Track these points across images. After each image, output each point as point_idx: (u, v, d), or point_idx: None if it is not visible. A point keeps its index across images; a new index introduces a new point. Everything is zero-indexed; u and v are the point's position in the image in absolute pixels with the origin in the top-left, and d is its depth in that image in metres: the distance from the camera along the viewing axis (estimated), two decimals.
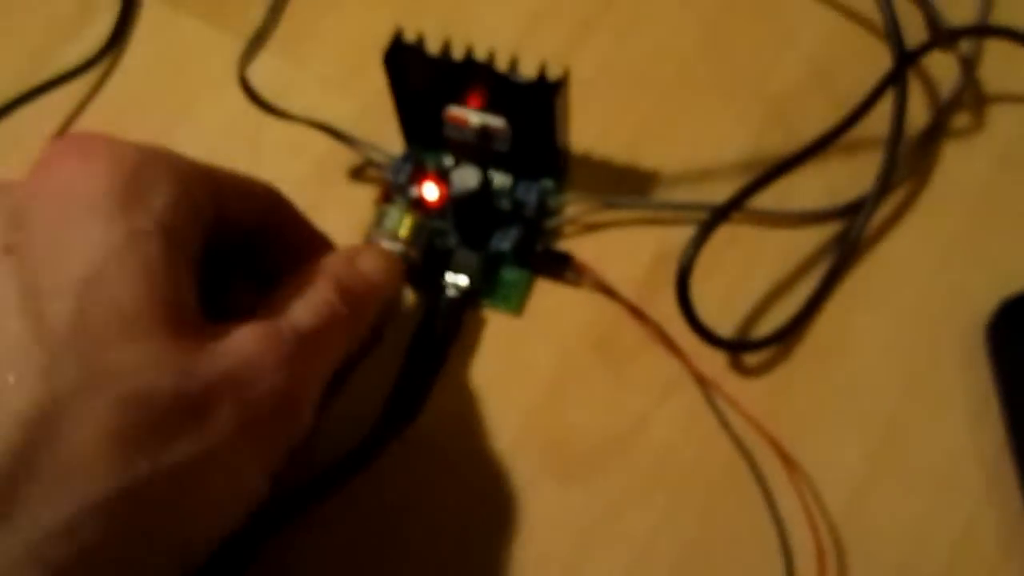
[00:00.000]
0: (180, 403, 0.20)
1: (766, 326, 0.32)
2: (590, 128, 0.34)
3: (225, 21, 0.38)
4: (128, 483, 0.19)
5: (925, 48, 0.34)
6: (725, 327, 0.31)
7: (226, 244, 0.25)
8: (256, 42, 0.30)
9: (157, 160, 0.23)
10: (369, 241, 0.31)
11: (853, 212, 0.33)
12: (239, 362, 0.22)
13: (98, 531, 0.19)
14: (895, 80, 0.33)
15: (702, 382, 0.31)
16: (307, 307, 0.24)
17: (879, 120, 0.33)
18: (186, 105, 0.37)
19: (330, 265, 0.26)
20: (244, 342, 0.22)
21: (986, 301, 0.31)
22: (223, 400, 0.21)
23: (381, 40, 0.31)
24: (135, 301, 0.21)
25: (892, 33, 0.33)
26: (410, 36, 0.31)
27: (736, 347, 0.31)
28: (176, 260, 0.22)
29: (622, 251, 0.33)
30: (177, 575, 0.21)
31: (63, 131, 0.36)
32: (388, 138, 0.34)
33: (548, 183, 0.33)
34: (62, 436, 0.19)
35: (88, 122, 0.37)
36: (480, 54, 0.30)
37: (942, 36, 0.34)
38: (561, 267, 0.32)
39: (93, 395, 0.19)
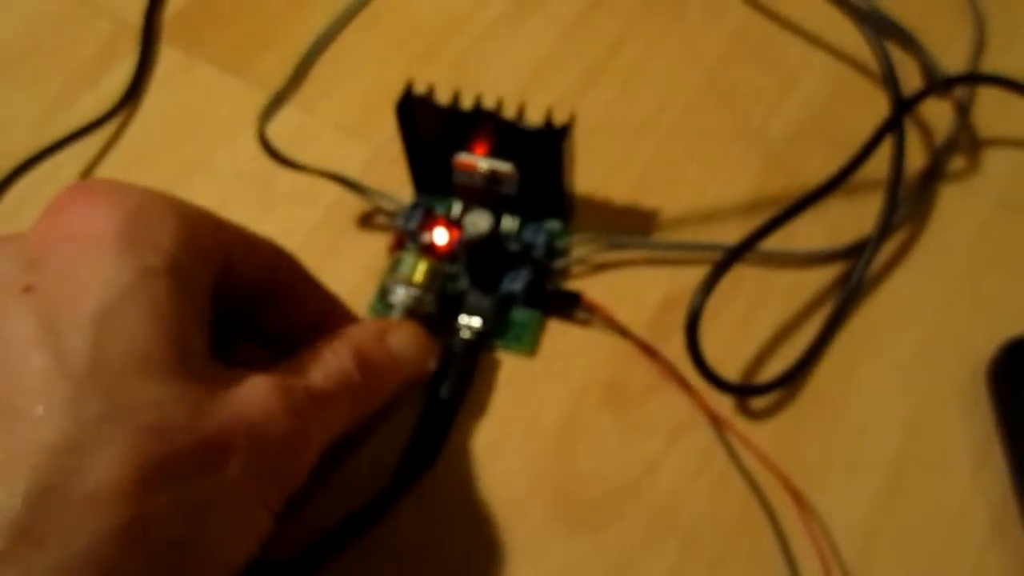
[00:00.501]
0: (196, 439, 0.21)
1: (771, 369, 0.32)
2: (596, 172, 0.35)
3: (240, 68, 0.39)
4: (150, 511, 0.20)
5: (921, 95, 0.35)
6: (731, 370, 0.32)
7: (232, 299, 0.26)
8: (277, 100, 0.31)
9: (161, 200, 0.24)
10: (385, 288, 0.32)
11: (855, 254, 0.33)
12: (252, 406, 0.23)
13: (122, 556, 0.20)
14: (893, 126, 0.34)
15: (714, 420, 0.31)
16: (321, 370, 0.25)
17: (878, 164, 0.34)
18: (203, 153, 0.38)
19: (356, 335, 0.27)
20: (258, 388, 0.23)
21: (986, 343, 0.31)
22: (236, 440, 0.22)
23: (393, 89, 0.32)
24: (147, 339, 0.21)
25: (889, 81, 0.34)
26: (420, 87, 0.31)
27: (743, 391, 0.32)
28: (185, 301, 0.23)
29: (631, 291, 0.33)
30: None
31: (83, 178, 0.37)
32: (398, 183, 0.35)
33: (555, 224, 0.34)
34: (89, 464, 0.20)
35: (107, 170, 0.37)
36: (488, 103, 0.31)
37: (937, 84, 0.35)
38: (571, 307, 0.33)
39: (116, 426, 0.20)
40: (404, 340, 0.28)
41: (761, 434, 0.31)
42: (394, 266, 0.32)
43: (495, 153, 0.32)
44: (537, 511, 0.30)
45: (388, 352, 0.27)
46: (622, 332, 0.32)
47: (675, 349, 0.31)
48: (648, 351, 0.32)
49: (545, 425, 0.32)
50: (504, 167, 0.32)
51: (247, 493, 0.22)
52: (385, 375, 0.27)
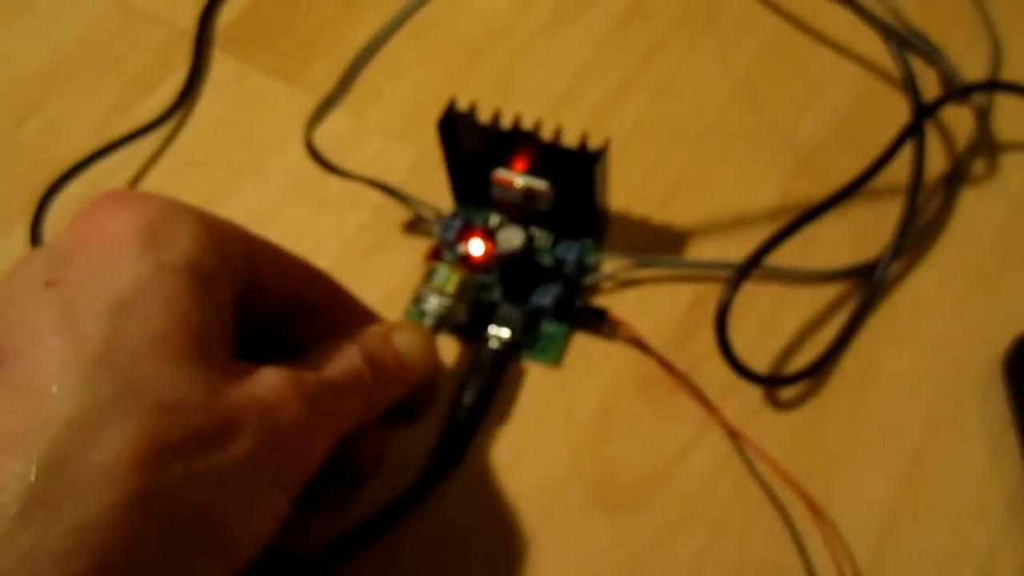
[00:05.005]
0: (209, 416, 0.22)
1: (797, 363, 0.33)
2: (629, 181, 0.36)
3: (290, 75, 0.41)
4: (164, 482, 0.21)
5: (940, 102, 0.36)
6: (758, 365, 0.33)
7: (265, 312, 0.27)
8: (324, 108, 0.33)
9: (183, 208, 0.25)
10: (419, 296, 0.33)
11: (870, 271, 0.35)
12: (265, 389, 0.24)
13: (138, 524, 0.21)
14: (913, 132, 0.35)
15: (729, 431, 0.32)
16: (332, 365, 0.26)
17: (901, 168, 0.35)
18: (255, 157, 0.39)
19: (365, 335, 0.28)
20: (271, 375, 0.24)
21: (1003, 336, 0.33)
22: (248, 418, 0.23)
23: (438, 95, 0.33)
24: (164, 326, 0.22)
25: (909, 88, 0.35)
26: (463, 103, 0.33)
27: (771, 382, 0.33)
28: (203, 297, 0.23)
29: (656, 306, 0.35)
30: None
31: (136, 182, 0.39)
32: (442, 188, 0.36)
33: (587, 242, 0.35)
34: (104, 437, 0.20)
35: (160, 173, 0.39)
36: (528, 117, 0.32)
37: (956, 91, 0.36)
38: (598, 322, 0.34)
39: (130, 403, 0.21)
40: (410, 341, 0.29)
41: (785, 427, 0.32)
42: (428, 276, 0.33)
43: (532, 170, 0.33)
44: (573, 496, 0.32)
45: (394, 352, 0.28)
46: (644, 348, 0.34)
47: (698, 359, 0.33)
48: (668, 368, 0.33)
49: (575, 422, 0.33)
50: (540, 185, 0.33)
51: (260, 470, 0.23)
52: (392, 374, 0.28)
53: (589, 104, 0.39)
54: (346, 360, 0.27)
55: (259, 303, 0.27)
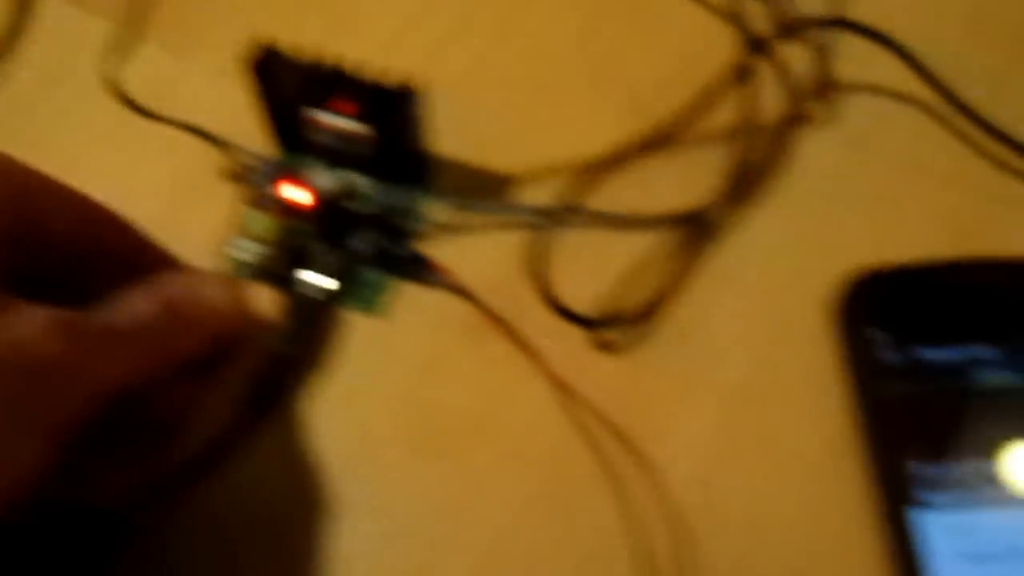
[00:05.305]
0: None
1: (628, 307, 0.33)
2: (459, 128, 0.35)
3: (105, 9, 0.38)
4: None
5: (770, 39, 0.35)
6: (588, 310, 0.33)
7: (47, 256, 0.26)
8: (121, 43, 0.31)
9: None
10: (231, 244, 0.32)
11: (701, 215, 0.34)
12: (26, 327, 0.22)
13: None
14: (743, 71, 0.34)
15: (554, 381, 0.32)
16: (120, 310, 0.25)
17: (738, 109, 0.35)
18: (66, 98, 0.37)
19: (164, 282, 0.27)
20: (36, 314, 0.23)
21: (833, 280, 0.33)
22: (1, 359, 0.22)
23: (268, 33, 0.31)
24: None
25: (738, 25, 0.35)
26: (277, 44, 0.31)
27: (594, 325, 0.32)
28: None
29: (481, 252, 0.34)
30: None
31: None
32: (267, 135, 0.35)
33: (410, 188, 0.34)
34: None
35: None
36: (351, 58, 0.31)
37: (786, 27, 0.36)
38: (419, 269, 0.33)
39: None
40: (215, 291, 0.28)
41: (612, 370, 0.32)
42: (243, 223, 0.32)
43: (352, 113, 0.32)
44: (398, 444, 0.31)
45: (195, 300, 0.27)
46: (466, 295, 0.33)
47: (525, 305, 0.32)
48: (491, 315, 0.32)
49: (397, 372, 0.32)
50: (359, 128, 0.32)
51: (12, 413, 0.22)
52: (191, 322, 0.27)
53: (421, 47, 0.38)
54: (136, 305, 0.26)
55: (39, 244, 0.25)
